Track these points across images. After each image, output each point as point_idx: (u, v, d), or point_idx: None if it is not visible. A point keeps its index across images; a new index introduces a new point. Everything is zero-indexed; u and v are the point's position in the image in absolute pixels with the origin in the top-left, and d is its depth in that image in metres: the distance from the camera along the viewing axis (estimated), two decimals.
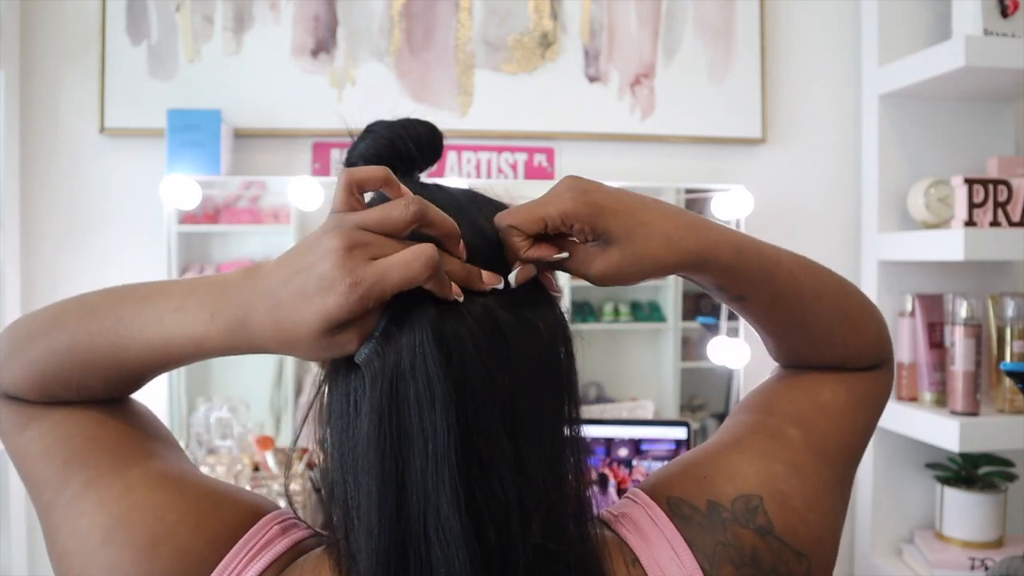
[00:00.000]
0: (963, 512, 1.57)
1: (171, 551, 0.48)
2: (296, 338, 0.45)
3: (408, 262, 0.44)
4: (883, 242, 1.69)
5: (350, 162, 0.55)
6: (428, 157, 0.56)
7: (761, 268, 0.54)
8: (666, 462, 0.62)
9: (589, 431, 1.30)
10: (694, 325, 1.81)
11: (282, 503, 1.43)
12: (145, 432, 0.55)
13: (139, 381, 0.55)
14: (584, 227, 0.49)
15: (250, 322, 0.46)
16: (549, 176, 1.72)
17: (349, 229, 0.44)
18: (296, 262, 0.45)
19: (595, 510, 0.52)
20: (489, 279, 0.49)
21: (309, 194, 1.60)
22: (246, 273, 0.48)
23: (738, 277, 0.54)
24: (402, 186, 0.48)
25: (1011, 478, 1.58)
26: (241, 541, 0.50)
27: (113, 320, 0.51)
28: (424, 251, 0.44)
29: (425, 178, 0.57)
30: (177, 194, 1.54)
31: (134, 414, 0.56)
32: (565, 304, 0.57)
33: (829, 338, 0.58)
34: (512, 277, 0.49)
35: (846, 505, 0.58)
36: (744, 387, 1.72)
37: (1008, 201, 1.52)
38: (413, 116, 0.56)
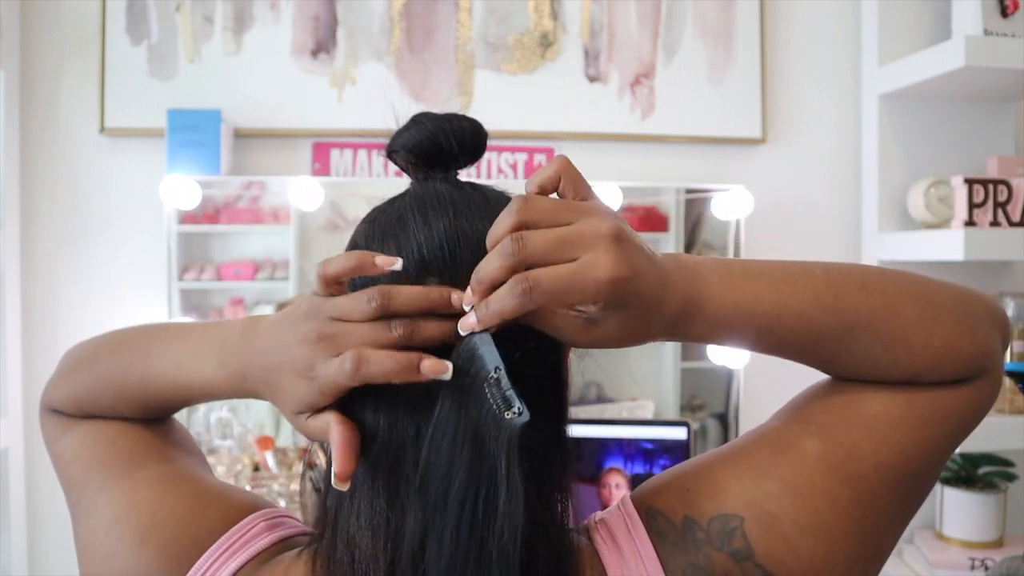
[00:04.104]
0: (963, 512, 1.57)
1: (157, 544, 0.51)
2: (280, 406, 0.49)
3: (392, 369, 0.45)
4: (883, 242, 1.69)
5: (391, 150, 0.55)
6: (468, 155, 0.54)
7: (752, 331, 0.47)
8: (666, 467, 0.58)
9: (588, 432, 1.30)
10: None
11: (282, 503, 1.44)
12: (163, 439, 0.60)
13: (165, 411, 0.60)
14: (588, 307, 0.45)
15: (249, 377, 0.50)
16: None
17: (322, 321, 0.47)
18: (283, 335, 0.48)
19: (576, 520, 0.50)
20: (431, 368, 0.45)
21: (309, 194, 1.60)
22: (245, 329, 0.52)
23: (715, 342, 0.49)
24: (377, 261, 0.47)
25: (1011, 478, 1.58)
26: (224, 536, 0.51)
27: (142, 355, 0.57)
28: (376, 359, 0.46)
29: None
30: (177, 194, 1.54)
31: (159, 425, 0.61)
32: None
33: (872, 364, 0.49)
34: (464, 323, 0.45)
35: (881, 535, 0.49)
36: (744, 387, 1.72)
37: (1008, 201, 1.52)
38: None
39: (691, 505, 0.48)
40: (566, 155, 0.47)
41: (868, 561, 0.49)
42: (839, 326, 0.47)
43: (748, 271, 0.48)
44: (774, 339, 0.48)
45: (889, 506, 0.49)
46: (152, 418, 0.60)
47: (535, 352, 0.46)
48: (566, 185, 0.46)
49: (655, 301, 0.44)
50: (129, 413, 0.58)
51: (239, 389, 0.52)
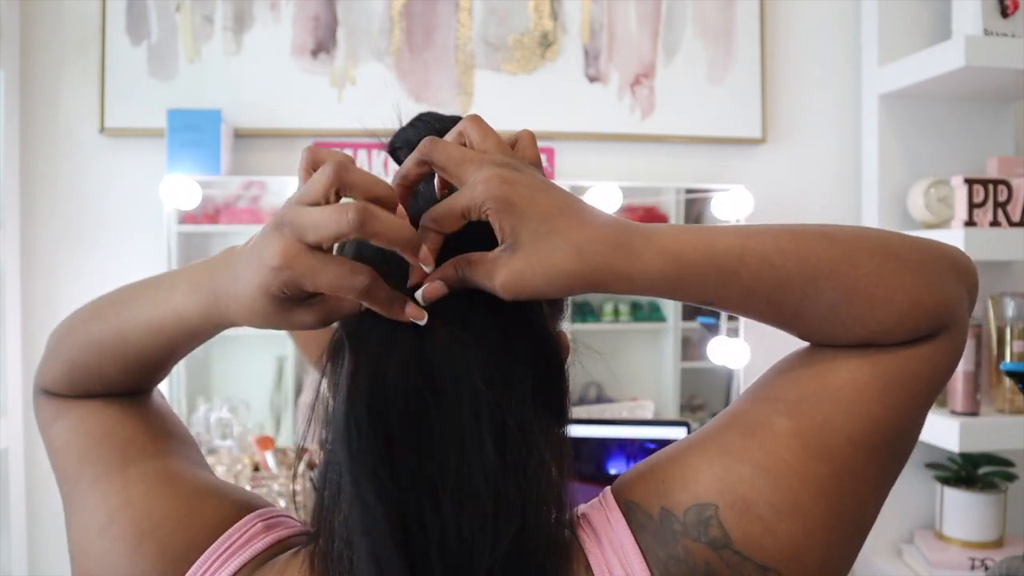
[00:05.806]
0: (963, 512, 1.57)
1: (154, 546, 0.50)
2: (249, 307, 0.46)
3: (339, 279, 0.43)
4: None
5: (395, 146, 0.55)
6: None
7: (715, 273, 0.46)
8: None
9: (589, 432, 1.30)
10: (694, 325, 1.81)
11: (282, 503, 1.44)
12: (158, 430, 0.58)
13: (151, 369, 0.58)
14: (491, 222, 0.45)
15: (220, 294, 0.48)
16: (548, 176, 1.72)
17: (287, 208, 0.44)
18: (253, 241, 0.47)
19: (568, 512, 0.50)
20: (412, 312, 0.45)
21: None
22: (226, 251, 0.50)
23: (683, 288, 0.47)
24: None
25: (1011, 478, 1.58)
26: (220, 538, 0.50)
27: (120, 307, 0.55)
28: (358, 276, 0.43)
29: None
30: (177, 194, 1.54)
31: (152, 412, 0.60)
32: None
33: (836, 319, 0.48)
34: (419, 294, 0.46)
35: (863, 505, 0.49)
36: (744, 387, 1.71)
37: (1008, 201, 1.52)
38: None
39: (666, 496, 0.47)
40: (478, 115, 0.49)
41: (850, 533, 0.48)
42: (802, 274, 0.46)
43: (699, 227, 0.48)
44: (740, 284, 0.46)
45: (868, 477, 0.48)
46: (141, 385, 0.58)
47: (529, 342, 0.48)
48: (520, 147, 0.51)
49: (554, 211, 0.45)
50: (115, 374, 0.56)
51: (212, 312, 0.50)
